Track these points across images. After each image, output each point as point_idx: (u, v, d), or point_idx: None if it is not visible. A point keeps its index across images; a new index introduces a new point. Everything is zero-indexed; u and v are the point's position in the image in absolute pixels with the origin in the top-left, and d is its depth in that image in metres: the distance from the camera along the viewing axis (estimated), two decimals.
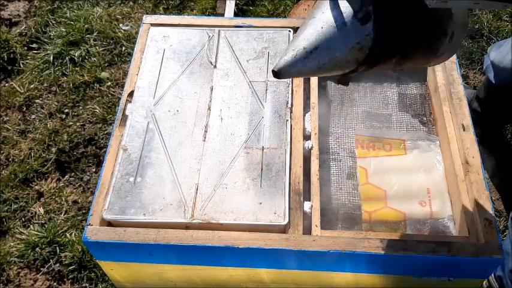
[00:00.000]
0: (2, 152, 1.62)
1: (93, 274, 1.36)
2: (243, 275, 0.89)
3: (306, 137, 0.95)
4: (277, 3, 2.01)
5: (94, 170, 1.59)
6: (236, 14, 1.89)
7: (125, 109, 1.00)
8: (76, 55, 1.86)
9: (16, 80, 1.82)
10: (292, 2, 1.97)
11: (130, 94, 1.02)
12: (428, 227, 0.91)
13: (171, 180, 0.90)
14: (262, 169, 0.90)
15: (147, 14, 1.78)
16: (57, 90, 1.78)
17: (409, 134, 1.03)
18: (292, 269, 0.87)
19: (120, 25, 1.98)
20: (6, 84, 1.81)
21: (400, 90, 1.10)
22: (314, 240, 0.81)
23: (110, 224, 0.87)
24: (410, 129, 1.04)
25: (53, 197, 1.52)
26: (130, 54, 1.83)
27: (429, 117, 1.05)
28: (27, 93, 1.77)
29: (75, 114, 1.72)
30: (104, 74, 1.81)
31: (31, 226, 1.46)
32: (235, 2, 1.92)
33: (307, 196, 0.89)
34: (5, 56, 1.86)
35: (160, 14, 1.98)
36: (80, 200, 1.52)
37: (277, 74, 0.59)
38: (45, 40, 1.93)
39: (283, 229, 0.84)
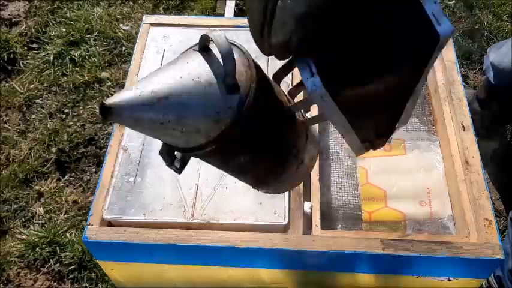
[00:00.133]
0: (2, 152, 1.62)
1: (93, 274, 1.36)
2: (243, 275, 0.89)
3: None
4: None
5: (94, 170, 1.59)
6: (236, 14, 1.89)
7: None
8: (76, 55, 1.86)
9: (16, 80, 1.82)
10: None
11: None
12: (428, 227, 0.91)
13: (171, 180, 0.90)
14: None
15: (147, 14, 1.78)
16: (57, 90, 1.78)
17: (409, 134, 1.03)
18: (292, 269, 0.87)
19: (120, 25, 1.98)
20: (6, 84, 1.81)
21: None
22: (314, 240, 0.81)
23: (110, 224, 0.87)
24: (410, 129, 1.04)
25: (53, 197, 1.52)
26: (130, 54, 1.83)
27: (429, 117, 1.05)
28: (27, 93, 1.77)
29: (75, 114, 1.72)
30: (104, 74, 1.81)
31: (31, 226, 1.46)
32: (235, 2, 1.92)
33: (307, 196, 0.89)
34: (5, 56, 1.86)
35: (161, 14, 1.98)
36: (80, 200, 1.52)
37: (107, 112, 0.41)
38: (45, 40, 1.93)
39: (283, 229, 0.84)
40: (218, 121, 0.44)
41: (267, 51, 0.43)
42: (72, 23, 1.96)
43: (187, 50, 0.48)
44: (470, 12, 1.98)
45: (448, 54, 1.04)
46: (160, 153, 0.50)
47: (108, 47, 1.89)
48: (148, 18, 1.15)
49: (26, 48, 1.92)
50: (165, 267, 0.89)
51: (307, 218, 0.85)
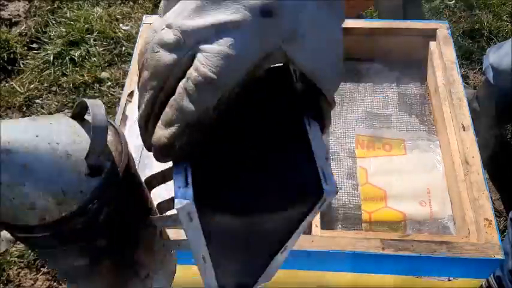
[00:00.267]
0: None
1: None
2: None
3: None
4: None
5: None
6: None
7: (125, 109, 1.00)
8: (76, 55, 1.86)
9: (16, 80, 1.82)
10: None
11: (130, 94, 1.02)
12: (428, 227, 0.91)
13: (171, 181, 0.89)
14: None
15: (147, 14, 1.78)
16: (57, 90, 1.78)
17: (409, 134, 1.03)
18: (292, 269, 0.87)
19: (120, 25, 1.98)
20: (6, 84, 1.81)
21: (400, 90, 1.10)
22: (314, 240, 0.81)
23: None
24: (410, 129, 1.04)
25: None
26: (130, 54, 1.83)
27: (429, 117, 1.05)
28: (27, 93, 1.77)
29: None
30: (104, 74, 1.81)
31: None
32: None
33: None
34: (5, 56, 1.86)
35: None
36: None
37: None
38: (45, 40, 1.93)
39: None
40: (61, 203, 0.34)
41: (149, 146, 0.37)
42: (72, 23, 1.96)
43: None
44: (470, 12, 1.98)
45: (448, 54, 1.04)
46: None
47: (108, 47, 1.89)
48: (148, 18, 1.15)
49: (26, 48, 1.92)
50: None
51: None
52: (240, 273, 0.45)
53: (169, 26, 0.33)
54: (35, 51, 1.91)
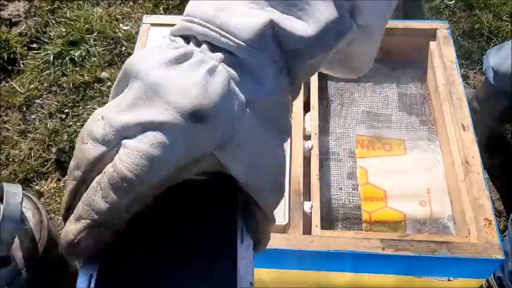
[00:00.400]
0: (2, 152, 1.62)
1: None
2: None
3: (306, 137, 0.95)
4: None
5: None
6: None
7: None
8: (76, 55, 1.86)
9: (16, 80, 1.82)
10: None
11: None
12: (428, 227, 0.91)
13: None
14: None
15: (147, 14, 1.78)
16: (57, 90, 1.78)
17: (409, 134, 1.03)
18: (292, 269, 0.87)
19: (120, 25, 1.98)
20: (6, 84, 1.81)
21: (400, 90, 1.10)
22: (314, 240, 0.81)
23: None
24: (410, 129, 1.04)
25: (53, 197, 1.52)
26: (130, 54, 1.83)
27: (429, 117, 1.05)
28: (27, 93, 1.77)
29: (75, 114, 1.72)
30: (104, 74, 1.81)
31: None
32: None
33: (307, 196, 0.89)
34: (5, 56, 1.86)
35: (161, 14, 1.99)
36: None
37: None
38: (45, 40, 1.93)
39: (283, 229, 0.84)
40: None
41: None
42: (72, 23, 1.96)
43: None
44: (470, 12, 1.98)
45: (448, 54, 1.04)
46: None
47: (108, 47, 1.89)
48: (148, 18, 1.15)
49: (26, 48, 1.92)
50: None
51: (307, 218, 0.85)
52: None
53: (102, 118, 0.32)
54: (35, 51, 1.91)
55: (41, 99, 1.77)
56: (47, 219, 0.38)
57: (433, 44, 1.08)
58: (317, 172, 0.91)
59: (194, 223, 0.33)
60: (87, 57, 1.87)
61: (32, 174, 1.56)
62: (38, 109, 1.74)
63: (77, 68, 1.83)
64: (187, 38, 0.35)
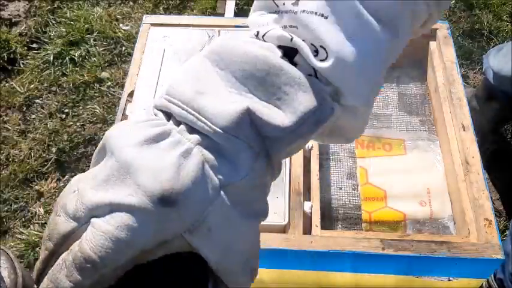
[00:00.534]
0: (2, 152, 1.62)
1: None
2: None
3: None
4: None
5: None
6: (236, 14, 1.89)
7: (125, 109, 1.00)
8: (76, 55, 1.86)
9: (16, 80, 1.82)
10: None
11: (131, 94, 1.02)
12: (428, 227, 0.91)
13: None
14: None
15: (147, 14, 1.78)
16: (57, 90, 1.78)
17: (409, 134, 1.03)
18: (292, 269, 0.87)
19: (120, 25, 1.98)
20: (6, 84, 1.81)
21: (400, 90, 1.10)
22: (314, 241, 0.81)
23: None
24: (410, 129, 1.04)
25: (53, 197, 1.52)
26: (130, 54, 1.83)
27: (429, 117, 1.05)
28: (27, 93, 1.77)
29: (75, 114, 1.72)
30: (104, 74, 1.81)
31: (31, 226, 1.46)
32: (235, 2, 1.92)
33: (307, 196, 0.89)
34: (5, 56, 1.86)
35: (160, 14, 1.99)
36: None
37: None
38: (45, 40, 1.93)
39: (283, 229, 0.84)
40: None
41: None
42: (72, 23, 1.96)
43: None
44: (470, 12, 1.98)
45: (448, 54, 1.04)
46: None
47: (108, 47, 1.89)
48: (148, 18, 1.15)
49: (26, 48, 1.92)
50: None
51: (307, 218, 0.85)
52: None
53: (78, 191, 0.32)
54: (35, 51, 1.91)
55: (41, 99, 1.77)
56: (22, 275, 0.38)
57: (433, 44, 1.08)
58: (317, 172, 0.91)
59: None
60: (87, 57, 1.87)
61: (32, 174, 1.56)
62: (38, 109, 1.74)
63: (77, 68, 1.83)
64: (168, 114, 0.35)
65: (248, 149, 0.33)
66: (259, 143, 0.33)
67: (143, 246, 0.30)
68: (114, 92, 1.76)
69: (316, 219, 0.85)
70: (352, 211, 0.94)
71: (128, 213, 0.30)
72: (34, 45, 1.93)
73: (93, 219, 0.30)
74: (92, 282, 0.30)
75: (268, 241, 0.81)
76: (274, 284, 0.92)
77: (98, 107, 1.72)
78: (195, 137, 0.32)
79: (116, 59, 1.86)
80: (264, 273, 0.88)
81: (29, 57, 1.89)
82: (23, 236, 1.43)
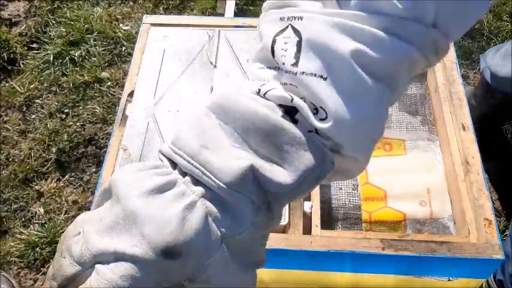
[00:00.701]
0: (2, 152, 1.62)
1: None
2: None
3: None
4: None
5: (94, 170, 1.59)
6: (236, 14, 1.89)
7: (124, 109, 1.00)
8: (76, 55, 1.86)
9: (16, 80, 1.82)
10: None
11: (131, 94, 1.02)
12: (428, 227, 0.91)
13: None
14: None
15: (147, 14, 1.78)
16: (57, 90, 1.78)
17: (409, 134, 1.03)
18: (292, 269, 0.87)
19: (120, 25, 1.98)
20: (6, 84, 1.81)
21: None
22: (314, 241, 0.81)
23: None
24: (411, 129, 1.04)
25: (53, 197, 1.52)
26: (130, 54, 1.83)
27: (429, 117, 1.05)
28: (27, 93, 1.77)
29: (75, 114, 1.72)
30: (104, 74, 1.81)
31: (31, 226, 1.46)
32: (235, 2, 1.92)
33: (307, 196, 0.89)
34: (5, 56, 1.86)
35: (160, 14, 1.99)
36: (80, 200, 1.52)
37: None
38: (45, 40, 1.93)
39: (283, 229, 0.84)
40: None
41: None
42: (72, 23, 1.96)
43: None
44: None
45: (448, 54, 1.04)
46: None
47: (108, 47, 1.89)
48: (148, 18, 1.15)
49: (26, 48, 1.92)
50: None
51: (307, 218, 0.85)
52: None
53: (83, 232, 0.33)
54: (35, 51, 1.91)
55: (41, 99, 1.77)
56: None
57: None
58: None
59: None
60: (87, 57, 1.87)
61: (32, 174, 1.56)
62: (38, 109, 1.74)
63: (77, 68, 1.83)
64: (174, 162, 0.36)
65: (250, 203, 0.34)
66: (261, 197, 0.35)
67: None
68: (114, 92, 1.76)
69: (316, 219, 0.85)
70: (352, 211, 0.94)
71: (131, 263, 0.31)
72: (34, 45, 1.93)
73: (97, 266, 0.32)
74: None
75: (268, 241, 0.81)
76: (274, 284, 0.92)
77: (98, 107, 1.72)
78: (200, 189, 0.34)
79: (116, 59, 1.86)
80: (264, 273, 0.88)
81: (29, 57, 1.89)
82: (23, 236, 1.43)
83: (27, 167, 1.57)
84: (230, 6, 1.89)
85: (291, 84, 0.35)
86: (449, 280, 0.85)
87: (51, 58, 1.85)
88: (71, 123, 1.69)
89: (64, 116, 1.72)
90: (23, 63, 1.86)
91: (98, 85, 1.78)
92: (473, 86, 1.67)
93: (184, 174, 0.35)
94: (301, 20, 0.34)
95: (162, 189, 0.33)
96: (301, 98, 0.34)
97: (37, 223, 1.46)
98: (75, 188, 1.55)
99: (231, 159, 0.34)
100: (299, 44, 0.34)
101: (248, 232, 0.34)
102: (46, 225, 1.45)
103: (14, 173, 1.56)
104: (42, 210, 1.49)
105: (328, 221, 0.92)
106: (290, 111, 0.35)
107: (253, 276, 0.37)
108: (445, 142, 0.96)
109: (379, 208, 0.94)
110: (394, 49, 0.33)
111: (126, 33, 1.93)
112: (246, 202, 0.34)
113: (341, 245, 0.80)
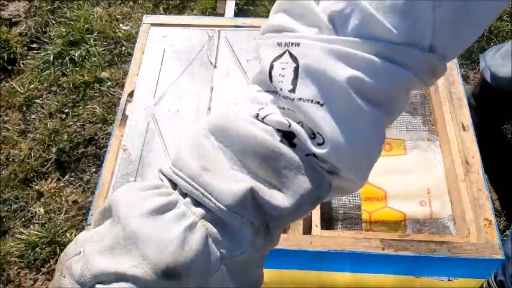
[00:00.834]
0: (2, 152, 1.62)
1: None
2: None
3: None
4: None
5: (94, 170, 1.59)
6: (236, 14, 1.89)
7: (124, 109, 1.00)
8: (76, 55, 1.86)
9: (16, 80, 1.82)
10: None
11: (131, 94, 1.02)
12: (428, 227, 0.91)
13: None
14: None
15: (147, 14, 1.78)
16: (57, 90, 1.78)
17: (409, 134, 1.03)
18: (292, 269, 0.87)
19: (120, 25, 1.98)
20: (6, 84, 1.81)
21: None
22: (314, 241, 0.81)
23: None
24: (411, 129, 1.04)
25: (53, 197, 1.52)
26: (130, 54, 1.83)
27: (429, 117, 1.05)
28: (27, 93, 1.77)
29: (75, 114, 1.72)
30: (104, 74, 1.81)
31: (31, 226, 1.46)
32: (235, 2, 1.92)
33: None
34: (5, 56, 1.86)
35: (160, 14, 1.99)
36: (80, 200, 1.52)
37: None
38: (45, 40, 1.93)
39: (283, 229, 0.84)
40: None
41: None
42: (72, 23, 1.96)
43: None
44: None
45: None
46: None
47: (108, 47, 1.89)
48: (148, 18, 1.15)
49: (26, 48, 1.92)
50: None
51: (307, 218, 0.85)
52: None
53: (83, 252, 0.33)
54: (35, 51, 1.91)
55: (41, 99, 1.77)
56: None
57: None
58: None
59: None
60: (87, 57, 1.87)
61: (32, 174, 1.56)
62: (38, 109, 1.74)
63: (77, 68, 1.83)
64: (174, 182, 0.36)
65: (249, 225, 0.34)
66: (260, 219, 0.35)
67: None
68: (114, 92, 1.77)
69: (316, 219, 0.85)
70: (352, 211, 0.94)
71: (132, 283, 0.31)
72: (34, 45, 1.93)
73: (98, 286, 0.32)
74: None
75: None
76: (274, 284, 0.92)
77: (98, 107, 1.72)
78: (200, 211, 0.34)
79: (116, 59, 1.86)
80: (264, 273, 0.88)
81: (29, 57, 1.89)
82: (23, 236, 1.43)
83: (27, 167, 1.57)
84: (230, 6, 1.89)
85: (288, 109, 0.35)
86: (449, 280, 0.85)
87: (51, 58, 1.85)
88: (71, 123, 1.69)
89: (64, 116, 1.72)
90: (23, 63, 1.86)
91: (98, 85, 1.78)
92: (472, 86, 1.67)
93: (184, 195, 0.35)
94: (298, 46, 0.34)
95: (162, 210, 0.33)
96: (298, 123, 0.35)
97: (37, 223, 1.46)
98: (75, 188, 1.55)
99: (231, 181, 0.34)
100: (296, 71, 0.34)
101: (247, 254, 0.35)
102: (46, 225, 1.45)
103: (14, 173, 1.56)
104: (42, 210, 1.49)
105: (328, 221, 0.92)
106: (288, 135, 0.35)
107: None
108: (445, 142, 0.96)
109: (379, 208, 0.94)
110: (390, 75, 0.33)
111: (126, 33, 1.93)
112: (245, 224, 0.34)
113: (341, 245, 0.80)
